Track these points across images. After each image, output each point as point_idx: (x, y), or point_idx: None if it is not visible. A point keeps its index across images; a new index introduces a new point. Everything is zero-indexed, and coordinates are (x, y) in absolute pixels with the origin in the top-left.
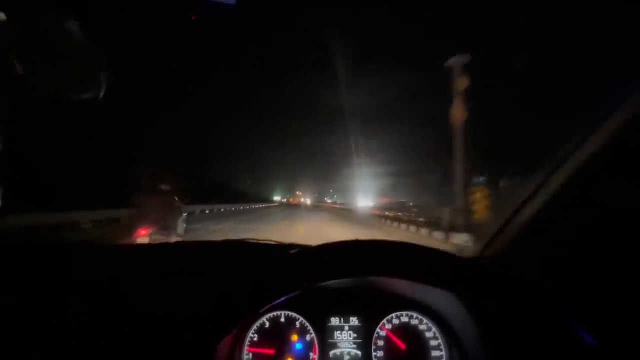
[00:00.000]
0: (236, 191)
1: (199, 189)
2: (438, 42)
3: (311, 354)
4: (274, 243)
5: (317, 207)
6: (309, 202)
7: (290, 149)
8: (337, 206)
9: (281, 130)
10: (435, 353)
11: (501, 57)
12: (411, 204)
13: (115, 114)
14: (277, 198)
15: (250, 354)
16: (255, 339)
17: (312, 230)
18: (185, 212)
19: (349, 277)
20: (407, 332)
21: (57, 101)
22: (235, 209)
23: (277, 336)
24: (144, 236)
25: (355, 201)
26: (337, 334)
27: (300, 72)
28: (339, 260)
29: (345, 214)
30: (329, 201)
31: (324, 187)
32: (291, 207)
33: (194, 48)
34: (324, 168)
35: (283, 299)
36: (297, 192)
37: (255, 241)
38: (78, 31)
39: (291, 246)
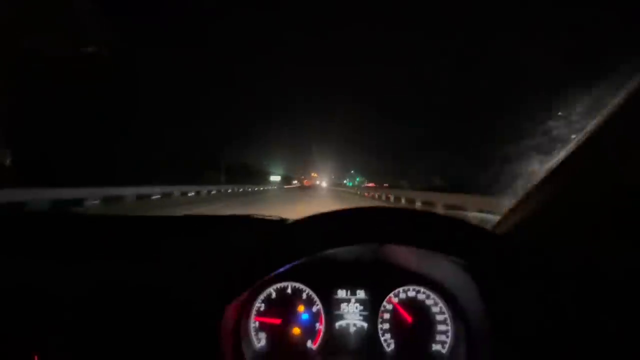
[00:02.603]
0: (233, 170)
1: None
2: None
3: (317, 324)
4: (278, 218)
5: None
6: (324, 184)
7: (301, 122)
8: None
9: (290, 100)
10: (440, 327)
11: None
12: None
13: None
14: (275, 178)
15: (257, 323)
16: (262, 309)
17: None
18: None
19: (354, 244)
20: (413, 305)
21: (60, 59)
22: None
23: (283, 306)
24: None
25: None
26: (343, 305)
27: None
28: (344, 227)
29: None
30: (370, 185)
31: (342, 167)
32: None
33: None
34: (341, 145)
35: (287, 266)
36: (312, 174)
37: (261, 216)
38: None
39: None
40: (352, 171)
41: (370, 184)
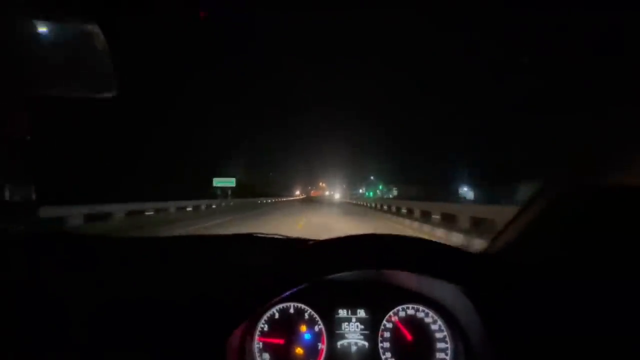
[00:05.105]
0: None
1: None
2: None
3: (319, 344)
4: (281, 237)
5: None
6: (337, 196)
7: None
8: None
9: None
10: (440, 344)
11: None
12: None
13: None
14: (222, 182)
15: (261, 344)
16: (265, 329)
17: None
18: None
19: (358, 270)
20: (413, 324)
21: (69, 100)
22: None
23: (286, 327)
24: None
25: None
26: (344, 325)
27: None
28: (349, 253)
29: None
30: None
31: (356, 175)
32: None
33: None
34: (352, 148)
35: (292, 290)
36: (320, 183)
37: (263, 235)
38: (93, 33)
39: (298, 240)
40: (372, 177)
41: None
